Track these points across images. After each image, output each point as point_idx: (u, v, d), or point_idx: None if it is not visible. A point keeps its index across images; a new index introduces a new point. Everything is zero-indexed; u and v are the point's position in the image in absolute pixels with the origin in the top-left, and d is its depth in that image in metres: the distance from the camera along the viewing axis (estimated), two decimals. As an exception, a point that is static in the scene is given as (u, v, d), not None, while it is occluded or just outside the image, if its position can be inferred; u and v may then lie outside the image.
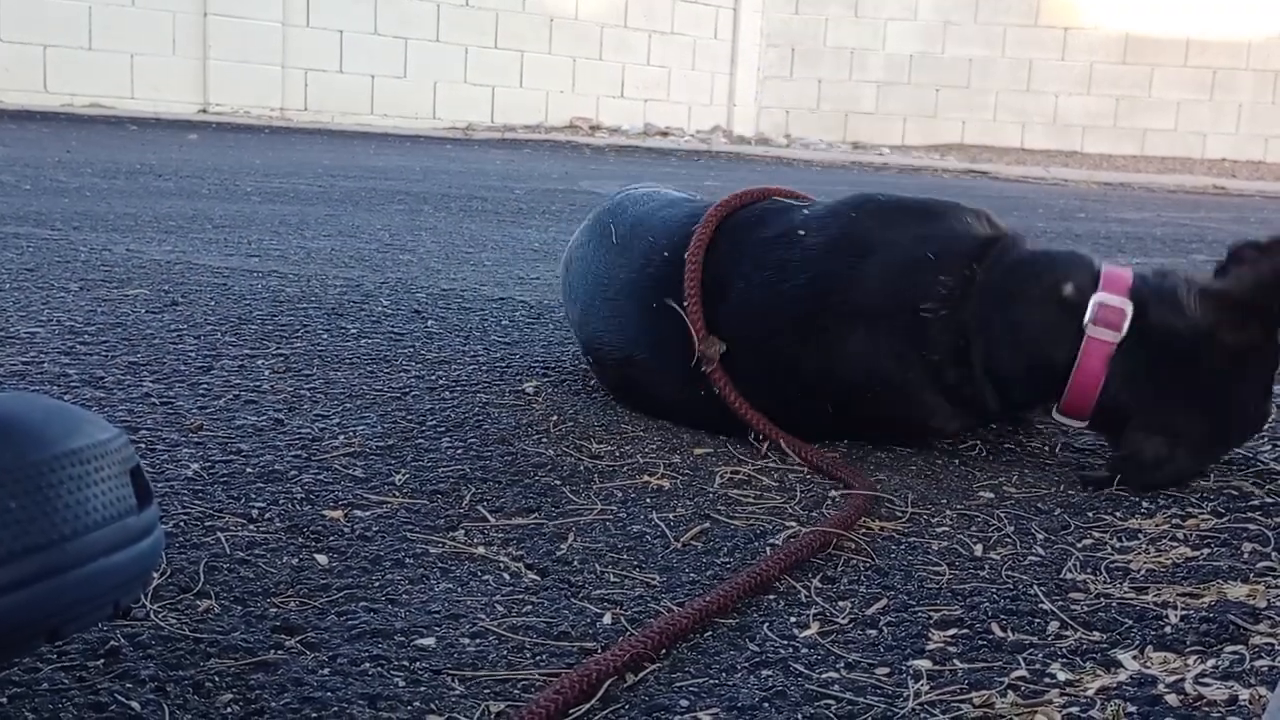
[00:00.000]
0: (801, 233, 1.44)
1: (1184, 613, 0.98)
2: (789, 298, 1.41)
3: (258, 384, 1.57)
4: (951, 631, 0.95)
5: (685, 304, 1.44)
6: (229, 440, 1.32)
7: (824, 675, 0.87)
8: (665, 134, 10.54)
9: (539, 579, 1.02)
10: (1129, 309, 1.32)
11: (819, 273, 1.40)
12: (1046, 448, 1.50)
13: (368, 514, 1.14)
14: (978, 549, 1.14)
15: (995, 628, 0.95)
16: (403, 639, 0.89)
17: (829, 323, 1.39)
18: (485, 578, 1.01)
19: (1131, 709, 0.81)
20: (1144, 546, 1.15)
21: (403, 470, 1.26)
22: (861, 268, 1.40)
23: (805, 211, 1.49)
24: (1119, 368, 1.32)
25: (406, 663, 0.85)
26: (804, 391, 1.43)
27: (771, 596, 1.01)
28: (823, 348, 1.40)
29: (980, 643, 0.93)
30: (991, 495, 1.30)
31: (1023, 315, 1.36)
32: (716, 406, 1.44)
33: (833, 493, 1.28)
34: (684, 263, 1.46)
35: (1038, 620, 0.97)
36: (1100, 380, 1.32)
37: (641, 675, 0.85)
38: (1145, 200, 7.52)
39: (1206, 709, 0.81)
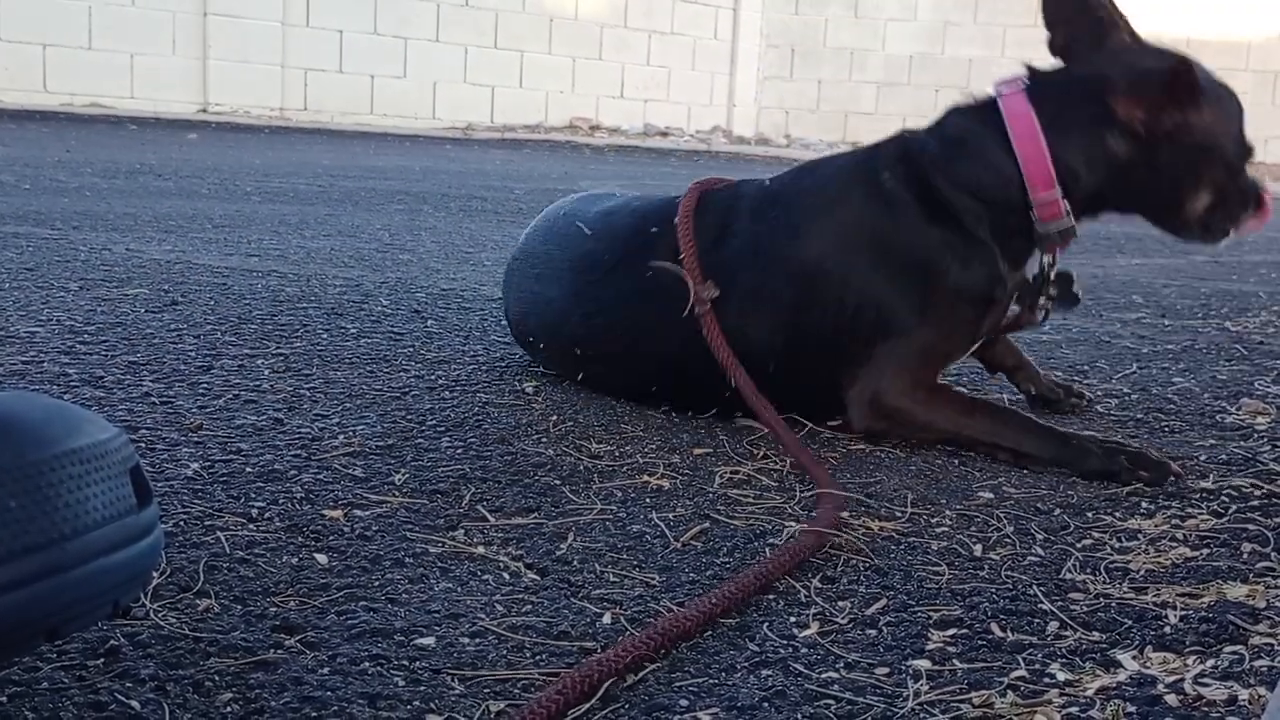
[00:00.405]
0: (768, 183, 1.61)
1: (1183, 613, 0.98)
2: (775, 231, 1.52)
3: (257, 383, 1.57)
4: (951, 631, 0.95)
5: (681, 257, 1.51)
6: (229, 440, 1.32)
7: (824, 675, 0.87)
8: (665, 134, 10.54)
9: (539, 578, 1.02)
10: (1021, 74, 1.51)
11: (793, 201, 1.55)
12: (1046, 448, 1.50)
13: (367, 513, 1.14)
14: (977, 549, 1.14)
15: (995, 628, 0.95)
16: (402, 638, 0.89)
17: (815, 236, 1.50)
18: (485, 577, 1.01)
19: (1131, 709, 0.81)
20: (1143, 547, 1.15)
21: (402, 470, 1.26)
22: (819, 181, 1.58)
23: (766, 178, 1.64)
24: (1042, 111, 1.45)
25: (406, 662, 0.85)
26: (810, 319, 1.49)
27: (771, 596, 1.01)
28: (819, 260, 1.49)
29: (980, 643, 0.93)
30: (991, 495, 1.30)
31: (952, 128, 1.51)
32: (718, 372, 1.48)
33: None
34: (673, 228, 1.54)
35: (1037, 620, 0.97)
36: (1030, 113, 1.45)
37: (641, 675, 0.85)
38: (1145, 201, 7.51)
39: (1206, 709, 0.81)
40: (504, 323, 2.10)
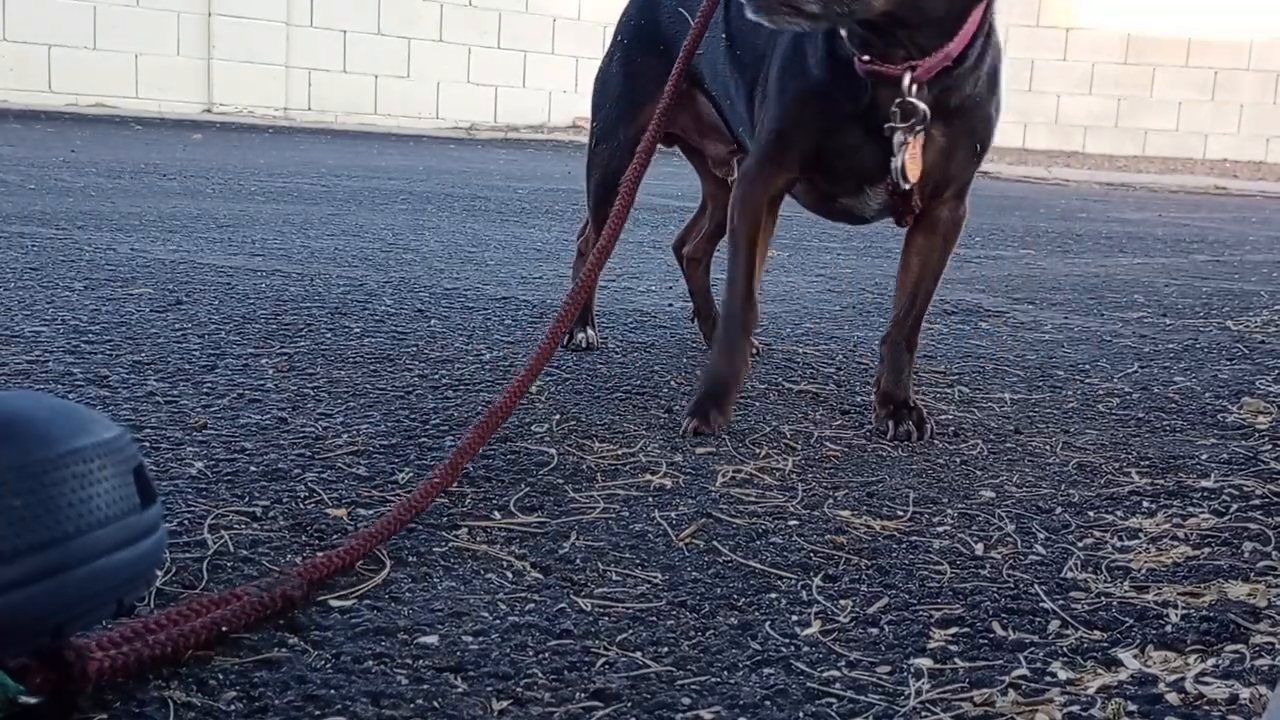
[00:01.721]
0: None
1: (1185, 612, 0.98)
2: None
3: (261, 383, 1.58)
4: (952, 630, 0.95)
5: None
6: (233, 439, 1.33)
7: (825, 673, 0.87)
8: (668, 134, 10.54)
9: (541, 577, 1.02)
10: None
11: None
12: (1048, 446, 1.50)
13: (371, 512, 1.14)
14: (979, 548, 1.14)
15: (996, 626, 0.96)
16: (405, 637, 0.89)
17: None
18: (488, 576, 1.01)
19: (1132, 708, 0.82)
20: (1145, 546, 1.16)
21: (406, 469, 1.27)
22: None
23: None
24: None
25: (409, 660, 0.85)
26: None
27: (773, 595, 1.01)
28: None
29: (981, 641, 0.93)
30: (992, 494, 1.31)
31: None
32: None
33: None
34: None
35: (1039, 619, 0.97)
36: None
37: (642, 673, 0.86)
38: (1147, 200, 7.52)
39: (1207, 708, 0.81)
40: (507, 322, 2.10)
